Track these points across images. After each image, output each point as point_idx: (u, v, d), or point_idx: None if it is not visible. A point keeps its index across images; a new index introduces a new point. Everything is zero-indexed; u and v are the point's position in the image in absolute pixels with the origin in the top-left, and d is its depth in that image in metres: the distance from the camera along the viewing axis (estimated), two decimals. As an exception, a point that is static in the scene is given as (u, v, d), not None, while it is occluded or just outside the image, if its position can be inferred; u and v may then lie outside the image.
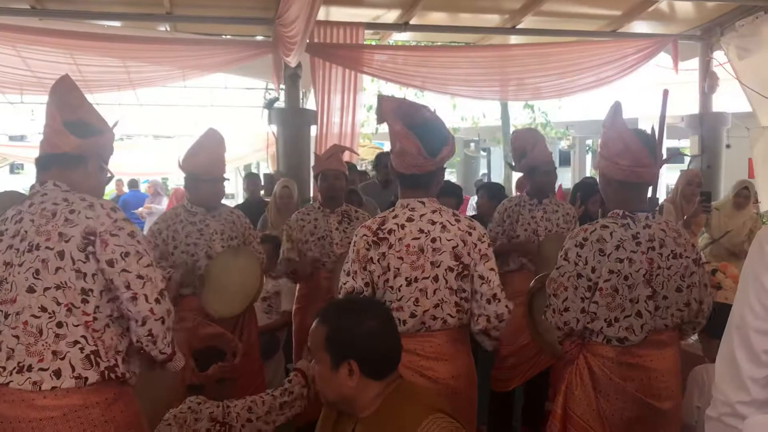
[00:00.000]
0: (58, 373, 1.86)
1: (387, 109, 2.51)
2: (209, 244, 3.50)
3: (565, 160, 18.31)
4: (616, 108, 2.62)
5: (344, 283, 2.48)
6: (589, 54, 7.61)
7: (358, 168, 7.60)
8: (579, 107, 12.80)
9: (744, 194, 5.49)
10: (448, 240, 2.48)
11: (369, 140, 13.32)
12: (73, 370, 1.87)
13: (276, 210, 5.58)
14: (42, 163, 2.12)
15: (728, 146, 7.57)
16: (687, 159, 8.40)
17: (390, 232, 2.48)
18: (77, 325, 1.90)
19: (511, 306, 2.58)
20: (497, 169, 17.92)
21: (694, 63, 7.63)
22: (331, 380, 1.82)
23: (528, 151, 4.18)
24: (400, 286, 2.45)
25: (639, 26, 7.33)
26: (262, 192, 7.13)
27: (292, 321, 4.40)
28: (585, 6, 7.00)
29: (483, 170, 18.23)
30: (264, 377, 3.96)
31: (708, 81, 7.15)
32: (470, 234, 2.52)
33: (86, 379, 1.88)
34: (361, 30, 7.10)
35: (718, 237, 5.00)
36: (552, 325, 2.61)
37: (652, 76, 11.03)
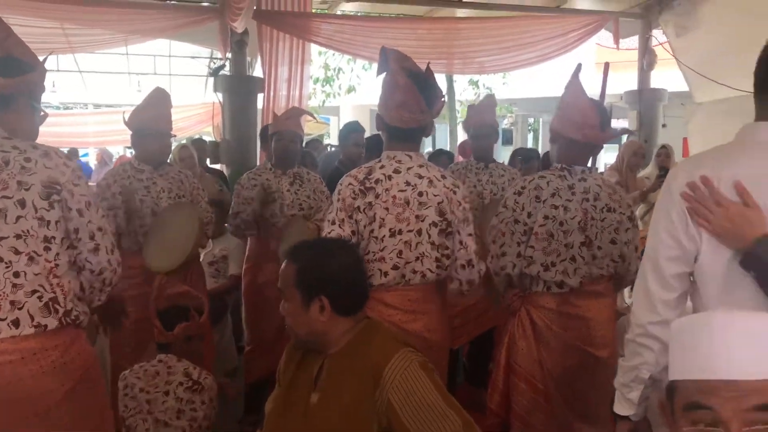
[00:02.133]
0: (16, 323, 1.85)
1: (393, 60, 2.46)
2: (156, 202, 3.46)
3: (508, 139, 18.54)
4: (577, 70, 2.73)
5: (329, 232, 2.46)
6: (533, 29, 7.72)
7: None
8: (522, 85, 13.02)
9: (663, 152, 5.79)
10: (435, 195, 2.47)
11: (316, 114, 13.26)
12: (32, 319, 1.87)
13: None
14: None
15: (664, 125, 7.83)
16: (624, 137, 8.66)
17: (377, 182, 2.46)
18: (37, 274, 1.89)
19: (483, 269, 2.61)
20: (442, 145, 18.04)
21: (633, 42, 7.84)
22: (302, 317, 1.85)
23: (468, 115, 4.36)
24: (384, 236, 2.44)
25: (582, 3, 7.48)
26: (207, 160, 7.04)
27: (240, 285, 4.41)
28: (531, -20, 7.11)
29: (428, 147, 18.36)
30: (212, 338, 3.96)
31: (647, 57, 7.36)
32: (455, 193, 2.51)
33: (45, 326, 1.89)
34: (309, -3, 7.06)
35: (654, 201, 5.21)
36: (491, 270, 2.71)
37: (592, 56, 11.30)
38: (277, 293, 3.83)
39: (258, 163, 6.59)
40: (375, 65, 8.38)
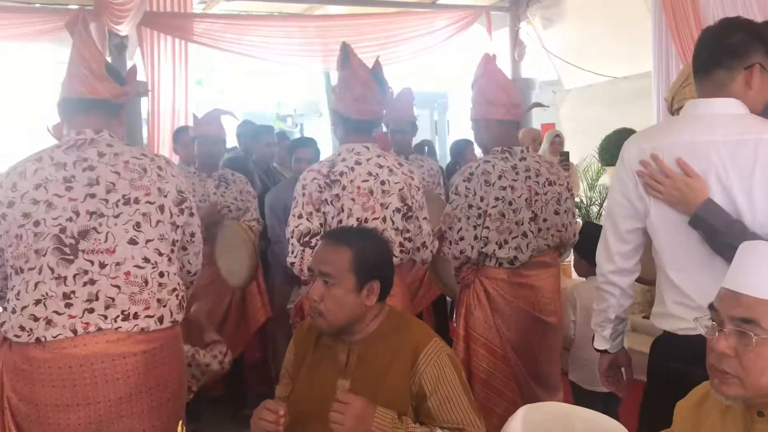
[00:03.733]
0: (161, 319, 2.01)
1: (354, 55, 2.59)
2: None
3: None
4: (488, 57, 2.94)
5: (297, 226, 2.53)
6: (407, 25, 7.97)
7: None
8: (399, 80, 13.27)
9: (557, 141, 6.23)
10: (395, 183, 2.62)
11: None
12: (171, 314, 2.04)
13: None
14: (82, 107, 2.05)
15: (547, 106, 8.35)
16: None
17: (341, 174, 2.57)
18: (175, 274, 2.07)
19: (435, 249, 2.79)
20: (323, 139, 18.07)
21: (503, 35, 8.30)
22: (350, 301, 1.85)
23: (387, 110, 4.48)
24: (352, 226, 2.53)
25: (455, -2, 7.83)
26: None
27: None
28: (404, -23, 7.34)
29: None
30: None
31: (517, 49, 7.83)
32: (412, 179, 2.68)
33: (178, 321, 2.08)
34: (189, -3, 6.91)
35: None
36: (449, 256, 2.88)
37: (465, 53, 11.78)
38: (212, 301, 3.80)
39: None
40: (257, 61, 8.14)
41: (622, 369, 2.10)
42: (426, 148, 5.57)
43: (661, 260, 1.87)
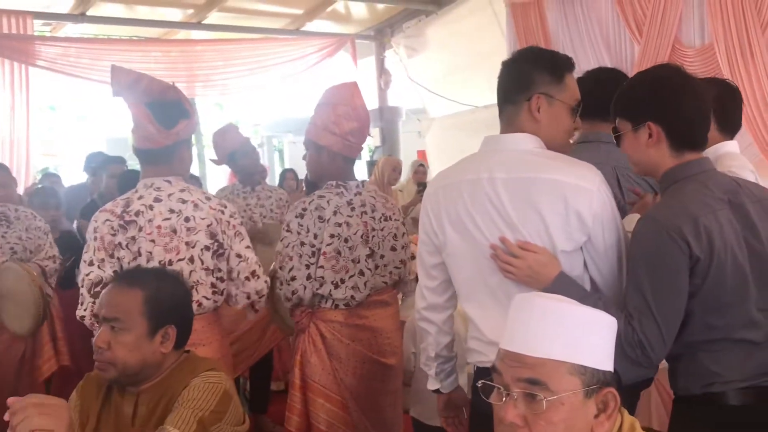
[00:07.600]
0: None
1: (123, 82, 2.30)
2: None
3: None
4: (354, 87, 2.72)
5: (87, 275, 2.23)
6: (274, 51, 7.86)
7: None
8: (267, 106, 13.09)
9: (421, 170, 6.19)
10: (202, 219, 2.35)
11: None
12: None
13: None
14: None
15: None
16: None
17: (138, 213, 2.29)
18: None
19: (269, 281, 2.57)
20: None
21: (370, 63, 8.31)
22: (142, 347, 1.68)
23: (221, 141, 4.19)
24: (144, 267, 2.25)
25: (320, 25, 7.75)
26: None
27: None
28: (268, 3, 7.19)
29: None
30: None
31: (383, 77, 7.85)
32: (222, 212, 2.42)
33: None
34: (30, 19, 6.43)
35: (414, 214, 5.50)
36: (282, 296, 2.67)
37: (334, 78, 11.79)
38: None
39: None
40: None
41: (463, 409, 2.02)
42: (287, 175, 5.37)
43: (458, 294, 1.88)
